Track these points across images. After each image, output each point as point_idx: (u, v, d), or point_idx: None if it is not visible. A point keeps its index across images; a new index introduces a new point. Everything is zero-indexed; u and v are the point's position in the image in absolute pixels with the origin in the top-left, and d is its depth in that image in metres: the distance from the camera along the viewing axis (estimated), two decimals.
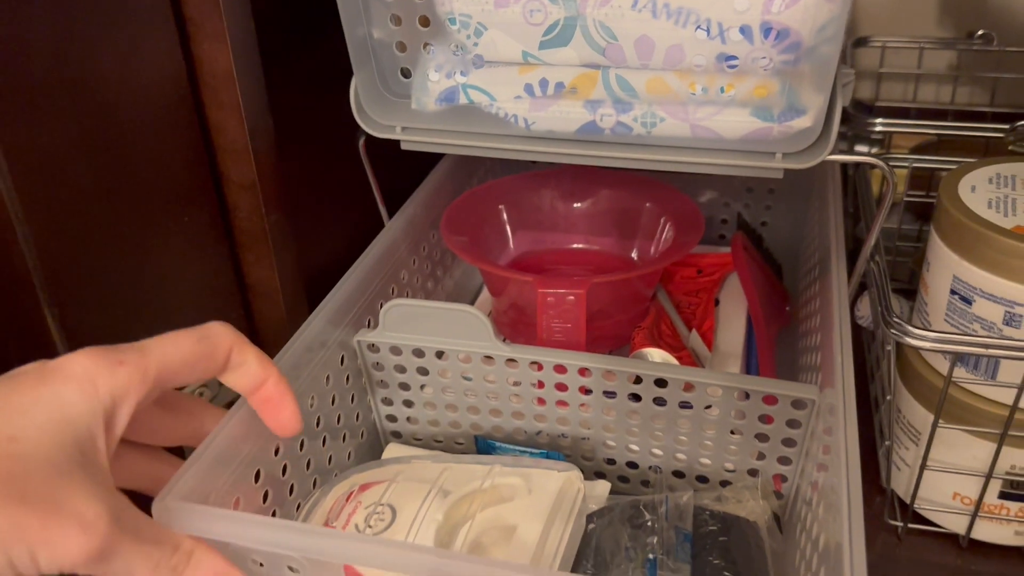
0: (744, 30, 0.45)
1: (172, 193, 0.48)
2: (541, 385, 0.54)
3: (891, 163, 0.67)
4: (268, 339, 0.56)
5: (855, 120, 0.72)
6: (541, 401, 0.55)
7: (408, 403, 0.57)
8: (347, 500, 0.48)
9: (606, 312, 0.62)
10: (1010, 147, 0.66)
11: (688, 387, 0.51)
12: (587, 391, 0.53)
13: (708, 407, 0.51)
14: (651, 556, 0.44)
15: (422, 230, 0.66)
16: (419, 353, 0.54)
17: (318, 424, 0.51)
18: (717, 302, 0.69)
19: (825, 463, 0.44)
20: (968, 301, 0.49)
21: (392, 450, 0.58)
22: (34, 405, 0.30)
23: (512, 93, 0.51)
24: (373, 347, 0.55)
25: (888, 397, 0.53)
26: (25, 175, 0.40)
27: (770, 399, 0.49)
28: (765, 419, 0.50)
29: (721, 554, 0.46)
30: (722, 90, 0.47)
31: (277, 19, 0.52)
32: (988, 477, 0.51)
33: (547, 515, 0.46)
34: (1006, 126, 0.67)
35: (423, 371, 0.55)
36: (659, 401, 0.52)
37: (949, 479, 0.53)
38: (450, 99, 0.52)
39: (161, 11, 0.45)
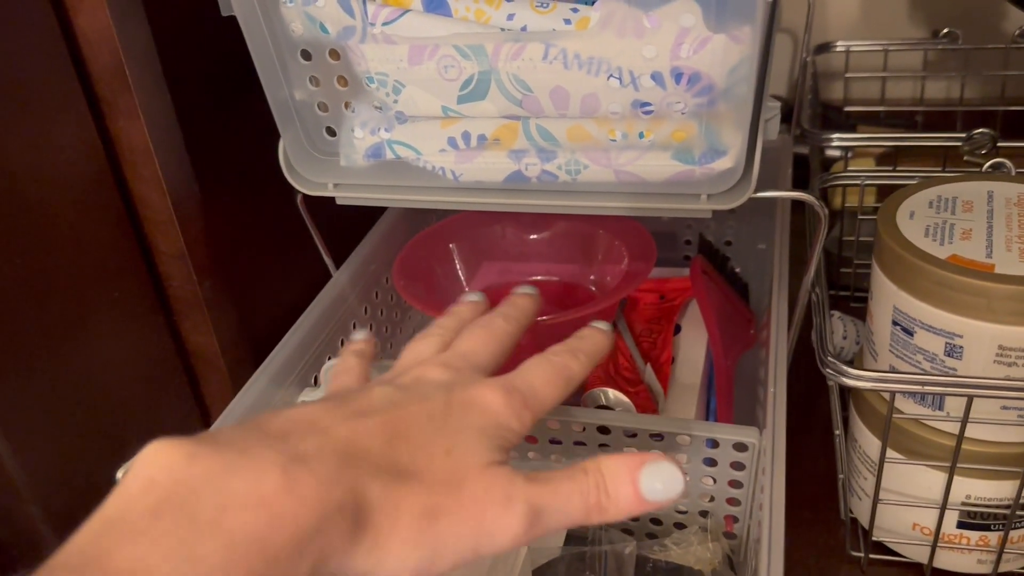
0: (655, 76, 0.44)
1: (100, 270, 0.48)
2: None
3: (848, 178, 0.67)
4: (214, 404, 0.56)
5: (811, 136, 0.71)
6: None
7: None
8: None
9: None
10: (965, 157, 0.64)
11: (633, 434, 0.50)
12: (534, 440, 0.53)
13: (653, 450, 0.50)
14: None
15: (374, 276, 0.66)
16: None
17: None
18: (679, 328, 0.69)
19: (763, 502, 0.44)
20: (910, 332, 0.48)
21: None
22: None
23: (436, 147, 0.50)
24: None
25: (837, 432, 0.52)
26: None
27: (712, 443, 0.49)
28: (710, 462, 0.50)
29: None
30: (641, 135, 0.47)
31: (195, 87, 0.51)
32: (943, 508, 0.50)
33: None
34: (963, 135, 0.66)
35: None
36: (604, 446, 0.51)
37: (908, 510, 0.52)
38: (377, 155, 0.52)
39: (71, 93, 0.45)
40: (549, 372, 0.37)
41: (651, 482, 0.33)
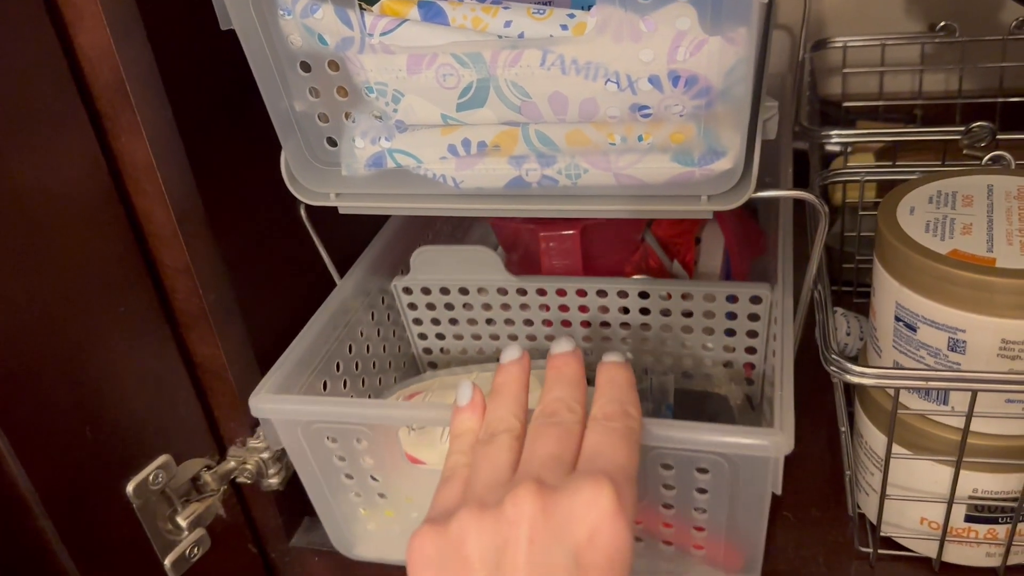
0: (653, 80, 0.44)
1: (105, 285, 0.49)
2: (547, 308, 0.65)
3: (848, 174, 0.67)
4: (221, 415, 0.56)
5: (810, 133, 0.71)
6: (548, 323, 0.66)
7: (440, 336, 0.70)
8: None
9: (601, 254, 0.69)
10: (964, 151, 0.64)
11: (667, 296, 0.62)
12: (587, 324, 0.65)
13: (685, 315, 0.62)
14: None
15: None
16: (445, 291, 0.66)
17: (368, 350, 0.64)
18: (699, 240, 0.74)
19: (775, 349, 0.53)
20: (912, 328, 0.48)
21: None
22: None
23: (437, 154, 0.51)
24: (407, 290, 0.67)
25: (843, 428, 0.52)
26: None
27: (732, 298, 0.61)
28: (731, 315, 0.61)
29: (696, 417, 0.50)
30: (640, 138, 0.47)
31: (196, 102, 0.52)
32: (950, 502, 0.50)
33: None
34: (962, 128, 0.66)
35: (449, 306, 0.67)
36: (644, 311, 0.63)
37: (916, 504, 0.52)
38: (378, 164, 0.52)
39: (73, 111, 0.46)
40: (623, 444, 0.39)
41: None
